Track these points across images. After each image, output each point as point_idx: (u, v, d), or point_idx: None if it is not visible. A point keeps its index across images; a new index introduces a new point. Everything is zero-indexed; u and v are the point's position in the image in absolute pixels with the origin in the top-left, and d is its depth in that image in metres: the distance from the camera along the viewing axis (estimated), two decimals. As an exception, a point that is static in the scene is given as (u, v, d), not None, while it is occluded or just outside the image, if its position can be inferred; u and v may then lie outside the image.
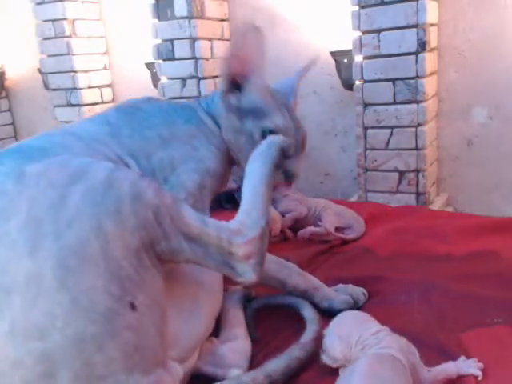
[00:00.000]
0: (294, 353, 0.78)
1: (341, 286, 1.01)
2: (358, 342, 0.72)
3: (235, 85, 0.95)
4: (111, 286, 0.61)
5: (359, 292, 0.98)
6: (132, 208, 0.64)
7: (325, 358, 0.75)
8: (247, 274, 0.72)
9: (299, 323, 0.91)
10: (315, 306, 0.94)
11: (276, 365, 0.75)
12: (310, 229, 1.35)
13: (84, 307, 0.59)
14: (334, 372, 0.74)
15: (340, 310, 0.91)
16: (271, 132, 0.92)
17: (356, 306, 0.95)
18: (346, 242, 1.33)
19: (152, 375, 0.63)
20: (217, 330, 0.86)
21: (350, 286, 1.00)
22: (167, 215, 0.67)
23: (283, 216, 1.41)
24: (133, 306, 0.62)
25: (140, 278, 0.64)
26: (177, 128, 0.92)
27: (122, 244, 0.63)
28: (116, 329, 0.60)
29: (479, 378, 0.71)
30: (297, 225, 1.40)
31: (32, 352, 0.57)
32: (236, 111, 0.95)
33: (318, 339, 0.79)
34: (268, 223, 0.76)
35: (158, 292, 0.67)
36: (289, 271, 0.97)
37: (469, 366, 0.73)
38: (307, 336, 0.82)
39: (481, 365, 0.73)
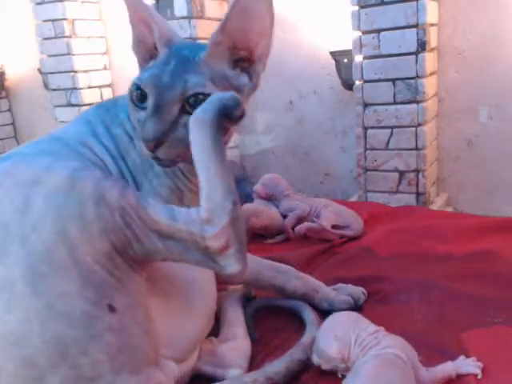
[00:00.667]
0: (296, 355, 0.78)
1: (341, 285, 1.01)
2: (357, 342, 0.72)
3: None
4: (85, 291, 0.59)
5: (359, 292, 0.98)
6: (96, 212, 0.62)
7: (316, 359, 0.75)
8: (230, 265, 0.66)
9: (299, 323, 0.91)
10: (315, 307, 0.94)
11: (277, 367, 0.75)
12: (307, 224, 1.36)
13: (60, 312, 0.58)
14: (334, 372, 0.74)
15: (340, 310, 0.91)
16: (138, 88, 0.74)
17: (356, 305, 0.95)
18: (345, 241, 1.33)
19: (142, 374, 0.63)
20: (216, 330, 0.86)
21: (350, 285, 1.00)
22: (135, 215, 0.64)
23: (285, 216, 1.41)
24: (111, 308, 0.61)
25: (116, 280, 0.62)
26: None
27: (90, 248, 0.61)
28: (97, 331, 0.59)
29: (479, 376, 0.72)
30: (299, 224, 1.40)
31: (13, 358, 0.57)
32: None
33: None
34: (236, 202, 0.66)
35: (139, 292, 0.66)
36: (286, 276, 0.96)
37: (468, 364, 0.73)
38: (308, 337, 0.81)
39: (480, 364, 0.73)
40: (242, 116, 0.69)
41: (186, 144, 0.69)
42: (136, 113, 0.75)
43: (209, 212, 0.65)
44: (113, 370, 0.60)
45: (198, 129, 0.67)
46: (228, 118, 0.68)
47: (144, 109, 0.73)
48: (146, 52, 0.79)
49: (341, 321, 0.77)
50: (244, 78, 0.78)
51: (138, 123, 0.74)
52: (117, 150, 0.80)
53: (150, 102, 0.72)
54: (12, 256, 0.58)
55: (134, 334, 0.63)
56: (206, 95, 0.71)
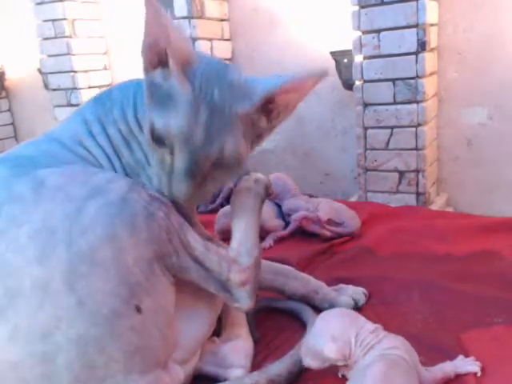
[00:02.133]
0: (297, 356, 0.77)
1: (342, 286, 1.00)
2: (358, 341, 0.70)
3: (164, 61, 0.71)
4: (119, 289, 0.63)
5: (360, 292, 0.98)
6: (146, 224, 0.67)
7: (309, 361, 0.72)
8: (243, 300, 0.76)
9: (300, 323, 0.91)
10: (316, 307, 0.94)
11: (279, 368, 0.75)
12: (303, 212, 1.37)
13: (89, 310, 0.60)
14: (335, 372, 0.74)
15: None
16: (156, 132, 0.70)
17: (356, 306, 0.95)
18: (345, 241, 1.34)
19: (150, 375, 0.64)
20: (218, 330, 0.86)
21: (351, 286, 1.00)
22: (176, 236, 0.70)
23: (289, 215, 1.42)
24: (138, 309, 0.64)
25: (150, 285, 0.66)
26: (131, 123, 0.80)
27: (135, 253, 0.65)
28: (119, 329, 0.62)
29: (478, 375, 0.72)
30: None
31: (32, 354, 0.58)
32: (152, 92, 0.72)
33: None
34: (261, 253, 0.80)
35: (168, 300, 0.70)
36: (285, 278, 0.96)
37: (467, 364, 0.73)
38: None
39: (479, 363, 0.73)
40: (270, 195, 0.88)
41: (211, 192, 0.77)
42: (158, 150, 0.71)
43: (237, 253, 0.77)
44: (125, 370, 0.62)
45: (249, 196, 0.83)
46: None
47: (166, 147, 0.69)
48: (154, 56, 0.71)
49: (335, 319, 0.74)
50: (263, 121, 0.75)
51: (159, 162, 0.71)
52: (112, 150, 0.80)
53: (179, 160, 0.68)
54: (54, 257, 0.61)
55: (152, 336, 0.66)
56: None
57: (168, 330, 0.69)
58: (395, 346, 0.69)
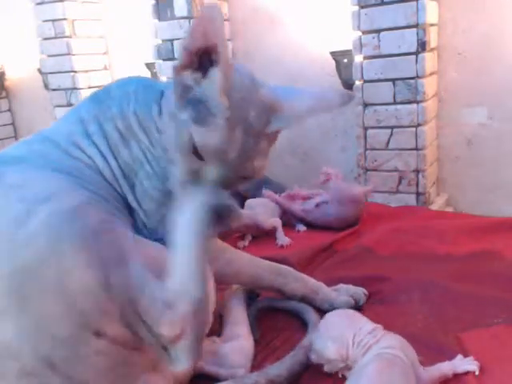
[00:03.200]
0: (298, 357, 0.77)
1: (342, 285, 1.00)
2: (355, 342, 0.71)
3: (200, 64, 0.72)
4: (71, 315, 0.58)
5: (360, 292, 0.98)
6: (95, 241, 0.61)
7: (314, 357, 0.75)
8: (179, 360, 0.61)
9: (299, 323, 0.91)
10: (317, 308, 0.94)
11: (279, 369, 0.75)
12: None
13: (48, 333, 0.58)
14: (335, 373, 0.74)
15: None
16: (194, 147, 0.71)
17: (356, 306, 0.95)
18: (345, 237, 1.35)
19: (138, 382, 0.64)
20: (219, 329, 0.86)
21: (351, 286, 1.00)
22: (121, 263, 0.62)
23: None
24: (98, 334, 0.59)
25: (106, 309, 0.59)
26: (130, 120, 0.79)
27: (81, 275, 0.59)
28: (84, 353, 0.59)
29: (476, 373, 0.72)
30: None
31: (11, 369, 0.58)
32: (182, 94, 0.73)
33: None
34: (207, 295, 0.66)
35: None
36: (284, 279, 0.96)
37: (465, 363, 0.73)
38: (310, 339, 0.81)
39: (477, 363, 0.73)
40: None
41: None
42: (191, 159, 0.73)
43: (173, 295, 0.61)
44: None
45: (187, 228, 0.64)
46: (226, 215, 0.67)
47: (200, 158, 0.72)
48: (191, 58, 0.71)
49: (334, 321, 0.76)
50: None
51: (188, 169, 0.74)
52: (108, 149, 0.79)
53: (211, 173, 0.73)
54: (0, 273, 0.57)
55: (124, 354, 0.62)
56: None
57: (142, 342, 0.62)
58: (391, 345, 0.70)
